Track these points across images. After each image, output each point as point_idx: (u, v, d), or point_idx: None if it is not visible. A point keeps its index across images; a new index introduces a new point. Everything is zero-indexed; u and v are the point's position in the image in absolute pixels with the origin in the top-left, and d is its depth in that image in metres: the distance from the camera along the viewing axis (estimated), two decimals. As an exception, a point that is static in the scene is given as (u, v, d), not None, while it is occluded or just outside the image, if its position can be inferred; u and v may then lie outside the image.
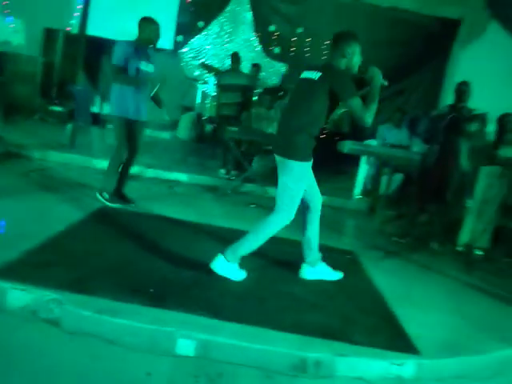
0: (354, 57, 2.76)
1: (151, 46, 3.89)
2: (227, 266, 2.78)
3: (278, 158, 2.85)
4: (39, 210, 3.51)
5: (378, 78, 2.75)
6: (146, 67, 3.84)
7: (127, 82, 3.77)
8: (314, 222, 3.01)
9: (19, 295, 2.23)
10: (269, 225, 2.83)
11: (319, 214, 3.03)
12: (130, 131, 3.93)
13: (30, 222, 3.18)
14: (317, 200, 3.00)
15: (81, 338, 2.12)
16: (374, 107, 2.68)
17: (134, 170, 5.21)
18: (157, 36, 3.84)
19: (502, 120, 4.34)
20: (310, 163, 2.85)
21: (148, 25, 3.79)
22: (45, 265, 2.56)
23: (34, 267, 2.50)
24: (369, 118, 2.67)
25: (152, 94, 4.03)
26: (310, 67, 2.81)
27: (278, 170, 2.89)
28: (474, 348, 2.51)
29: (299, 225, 3.02)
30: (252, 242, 2.82)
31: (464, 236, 4.35)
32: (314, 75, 2.68)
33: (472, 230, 4.32)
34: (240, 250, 2.80)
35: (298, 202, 2.83)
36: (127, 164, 4.08)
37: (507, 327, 2.86)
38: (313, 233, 3.02)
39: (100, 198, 3.89)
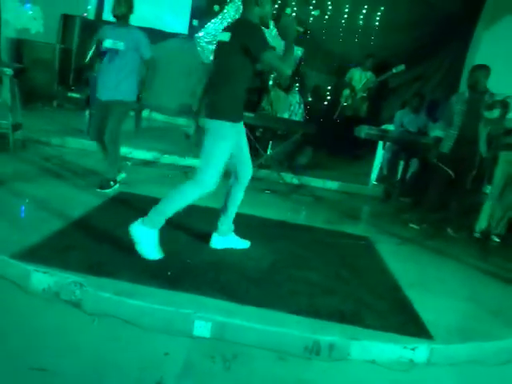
0: (267, 5, 2.65)
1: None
2: (140, 230, 2.63)
3: (205, 120, 2.74)
4: (59, 195, 3.60)
5: (293, 27, 2.64)
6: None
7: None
8: (238, 193, 2.95)
9: (42, 277, 2.32)
10: (184, 190, 2.69)
11: (245, 186, 2.94)
12: None
13: (50, 207, 3.27)
14: (245, 171, 2.90)
15: (101, 318, 2.20)
16: (290, 56, 2.58)
17: (149, 156, 5.32)
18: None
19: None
20: (238, 125, 2.74)
21: None
22: (66, 248, 2.65)
23: (55, 250, 2.60)
24: (287, 69, 2.55)
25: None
26: (224, 28, 2.74)
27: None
28: (487, 334, 2.52)
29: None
30: (164, 209, 2.66)
31: (482, 222, 4.31)
32: (226, 37, 2.60)
33: (490, 217, 4.28)
34: (154, 213, 2.64)
35: (214, 164, 2.63)
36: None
37: (522, 314, 2.85)
38: (233, 203, 2.96)
39: (114, 186, 3.94)
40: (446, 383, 2.21)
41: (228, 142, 2.67)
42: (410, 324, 2.45)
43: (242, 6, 2.76)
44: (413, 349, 2.25)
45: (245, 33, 2.56)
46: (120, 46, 3.66)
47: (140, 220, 2.65)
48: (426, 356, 2.28)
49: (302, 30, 2.76)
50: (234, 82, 2.66)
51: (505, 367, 2.38)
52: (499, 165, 4.28)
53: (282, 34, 2.75)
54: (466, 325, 2.61)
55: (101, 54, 3.73)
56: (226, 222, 3.03)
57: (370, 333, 2.29)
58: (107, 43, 3.67)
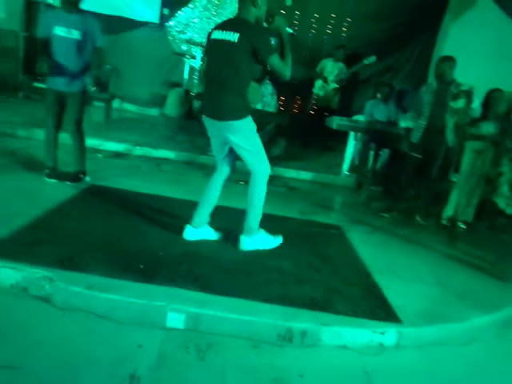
0: (263, 6, 2.74)
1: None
2: (252, 241, 2.98)
3: (215, 122, 2.81)
4: (28, 188, 3.50)
5: (284, 28, 2.78)
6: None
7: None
8: (220, 187, 3.06)
9: (10, 273, 2.26)
10: (256, 188, 2.91)
11: (225, 178, 3.08)
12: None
13: (19, 201, 3.18)
14: (231, 165, 3.05)
15: (72, 313, 2.17)
16: (289, 60, 2.72)
17: (121, 147, 5.23)
18: None
19: (489, 95, 4.37)
20: (251, 117, 2.84)
21: None
22: (35, 243, 2.59)
23: (24, 245, 2.53)
24: (287, 72, 2.71)
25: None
26: (224, 27, 2.74)
27: (211, 133, 2.93)
28: (452, 316, 2.63)
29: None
30: (256, 213, 2.94)
31: (448, 210, 4.46)
32: (232, 37, 2.63)
33: (456, 204, 4.43)
34: (252, 223, 2.95)
35: (262, 151, 2.88)
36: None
37: (484, 296, 2.99)
38: (215, 195, 3.06)
39: (84, 178, 3.89)
40: (414, 364, 2.29)
41: (255, 131, 2.85)
42: (379, 309, 2.53)
43: (238, 5, 2.78)
44: (382, 333, 2.33)
45: (255, 35, 2.63)
46: (76, 34, 3.51)
47: (243, 237, 2.99)
48: (395, 339, 2.36)
49: (291, 31, 2.83)
50: (243, 81, 2.74)
51: (468, 346, 2.50)
52: (465, 154, 4.42)
53: (275, 34, 2.86)
54: (433, 308, 2.70)
55: (47, 46, 3.53)
56: (204, 215, 3.05)
57: (341, 319, 2.35)
58: (59, 31, 3.48)
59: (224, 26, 2.75)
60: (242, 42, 2.60)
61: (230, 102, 2.73)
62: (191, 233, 3.05)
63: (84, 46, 3.58)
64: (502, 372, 2.38)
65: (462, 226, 4.45)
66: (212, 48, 2.80)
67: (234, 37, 2.62)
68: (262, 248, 3.02)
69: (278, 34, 2.79)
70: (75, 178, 3.82)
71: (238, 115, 2.74)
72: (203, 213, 3.04)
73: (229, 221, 3.28)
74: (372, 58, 6.22)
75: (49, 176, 3.77)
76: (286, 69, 2.70)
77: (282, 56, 2.70)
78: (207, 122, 2.89)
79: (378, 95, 6.01)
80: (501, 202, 3.71)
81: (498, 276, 3.32)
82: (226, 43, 2.65)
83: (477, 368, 2.36)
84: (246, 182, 4.88)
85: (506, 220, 4.31)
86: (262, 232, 3.05)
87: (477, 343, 2.55)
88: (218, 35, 2.72)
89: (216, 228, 3.14)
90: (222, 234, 3.16)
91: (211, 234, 3.12)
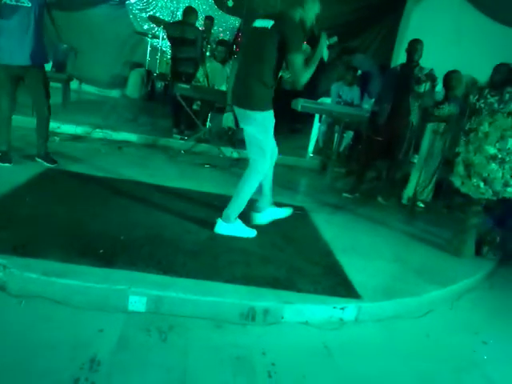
0: (310, 12, 2.75)
1: None
2: (228, 227, 2.97)
3: (238, 109, 2.84)
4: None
5: (324, 46, 2.85)
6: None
7: None
8: (269, 172, 3.09)
9: (-41, 261, 2.16)
10: (249, 180, 2.90)
11: (273, 163, 3.11)
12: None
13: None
14: (274, 151, 3.07)
15: (29, 300, 2.10)
16: (311, 71, 2.72)
17: (80, 130, 5.04)
18: None
19: (447, 77, 4.49)
20: (272, 112, 2.84)
21: None
22: (-14, 229, 2.47)
23: (-26, 232, 2.42)
24: (303, 79, 2.69)
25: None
26: (264, 16, 2.76)
27: (239, 122, 2.94)
28: (410, 290, 2.73)
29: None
30: (239, 204, 2.94)
31: (409, 190, 4.60)
32: (267, 23, 2.64)
33: (416, 184, 4.57)
34: (232, 211, 2.94)
35: (268, 149, 2.87)
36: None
37: (440, 271, 3.12)
38: (266, 180, 3.09)
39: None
40: (372, 338, 2.38)
41: (271, 128, 2.85)
42: (340, 286, 2.59)
43: (286, 3, 2.77)
44: (342, 308, 2.39)
45: (288, 26, 2.61)
46: (25, 1, 3.33)
47: (220, 221, 2.96)
48: (355, 314, 2.44)
49: (336, 39, 2.84)
50: (267, 69, 2.69)
51: (423, 319, 2.62)
52: (426, 135, 4.54)
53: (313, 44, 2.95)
54: (392, 284, 2.80)
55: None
56: (264, 199, 3.14)
57: (302, 296, 2.40)
58: None
59: (264, 15, 2.76)
60: (274, 29, 2.59)
61: (252, 91, 2.71)
62: (261, 217, 3.16)
63: (36, 14, 3.40)
64: (454, 340, 2.51)
65: (421, 206, 4.61)
66: (248, 35, 2.83)
67: (268, 23, 2.62)
68: (235, 235, 3.01)
69: (315, 45, 2.81)
70: (49, 158, 3.78)
71: (259, 106, 2.72)
72: (264, 199, 3.14)
73: (196, 203, 3.26)
74: (334, 39, 6.22)
75: (2, 160, 3.60)
76: (303, 75, 2.67)
77: (308, 63, 2.69)
78: (235, 109, 2.89)
79: (342, 81, 6.05)
80: (456, 181, 3.84)
81: (453, 252, 3.48)
82: (261, 30, 2.66)
83: (431, 338, 2.47)
84: (211, 165, 4.88)
85: (461, 199, 4.49)
86: (239, 222, 3.03)
87: (432, 315, 2.67)
88: (257, 23, 2.73)
89: (180, 212, 3.10)
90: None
91: (280, 212, 3.25)
